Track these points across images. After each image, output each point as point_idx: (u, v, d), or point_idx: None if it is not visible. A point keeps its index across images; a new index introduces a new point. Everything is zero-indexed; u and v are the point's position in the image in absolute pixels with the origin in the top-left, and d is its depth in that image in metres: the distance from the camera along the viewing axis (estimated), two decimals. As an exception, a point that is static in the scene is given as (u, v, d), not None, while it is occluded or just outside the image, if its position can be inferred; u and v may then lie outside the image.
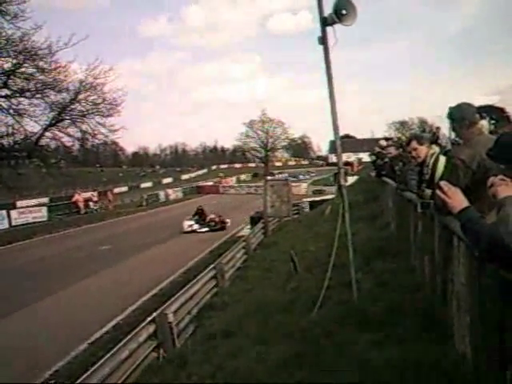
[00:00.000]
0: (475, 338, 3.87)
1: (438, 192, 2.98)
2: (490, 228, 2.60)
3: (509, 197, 2.38)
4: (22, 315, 12.28)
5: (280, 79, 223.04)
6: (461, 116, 4.54)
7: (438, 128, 17.72)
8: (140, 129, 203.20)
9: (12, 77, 39.15)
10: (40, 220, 38.06)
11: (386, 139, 19.75)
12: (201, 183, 76.44)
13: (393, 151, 11.62)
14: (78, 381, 5.90)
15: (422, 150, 6.59)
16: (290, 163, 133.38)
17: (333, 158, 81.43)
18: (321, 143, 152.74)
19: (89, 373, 6.13)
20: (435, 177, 5.56)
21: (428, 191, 5.78)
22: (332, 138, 7.23)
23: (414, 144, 6.93)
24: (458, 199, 2.86)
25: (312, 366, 5.31)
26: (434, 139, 15.22)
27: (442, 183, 3.05)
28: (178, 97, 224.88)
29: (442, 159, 5.74)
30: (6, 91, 40.66)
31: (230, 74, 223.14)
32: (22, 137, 41.87)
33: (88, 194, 52.06)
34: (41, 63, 39.71)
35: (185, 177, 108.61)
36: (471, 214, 2.79)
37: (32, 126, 43.71)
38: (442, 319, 5.17)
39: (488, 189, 2.55)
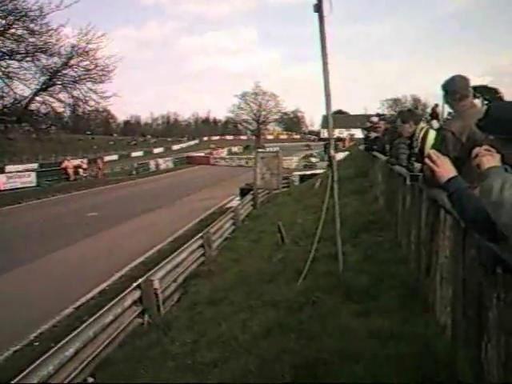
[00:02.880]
0: (456, 309, 3.91)
1: (426, 160, 2.97)
2: (476, 198, 2.60)
3: (493, 167, 2.37)
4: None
5: (276, 52, 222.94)
6: (454, 88, 4.51)
7: (436, 105, 17.80)
8: (132, 97, 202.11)
9: (1, 38, 38.64)
10: (29, 185, 37.88)
11: (378, 115, 19.71)
12: (192, 154, 76.16)
13: (383, 126, 11.61)
14: (62, 342, 5.90)
15: (405, 128, 6.62)
16: (282, 137, 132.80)
17: (325, 133, 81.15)
18: (313, 118, 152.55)
19: (73, 335, 6.13)
20: (425, 150, 5.55)
21: (417, 164, 5.77)
22: (325, 113, 7.18)
23: (399, 122, 6.96)
24: (446, 168, 2.86)
25: (295, 334, 5.35)
26: (435, 115, 15.27)
27: (431, 151, 3.05)
28: (172, 66, 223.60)
29: (432, 133, 5.73)
30: None
31: (225, 46, 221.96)
32: (11, 100, 41.51)
33: (78, 161, 51.78)
34: (31, 25, 39.14)
35: (176, 147, 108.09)
36: (459, 183, 2.79)
37: (22, 90, 43.12)
38: (425, 291, 5.22)
39: (473, 159, 2.53)
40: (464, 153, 4.11)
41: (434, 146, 5.15)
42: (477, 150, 2.53)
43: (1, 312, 9.65)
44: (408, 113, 7.09)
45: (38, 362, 5.25)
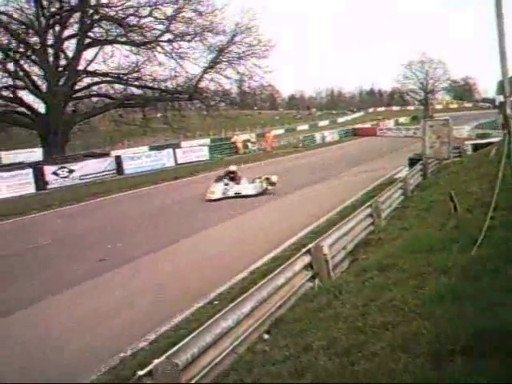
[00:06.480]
0: None
1: None
2: None
3: None
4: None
5: (445, 15, 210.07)
6: None
7: None
8: (296, 71, 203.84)
9: (173, 22, 41.94)
10: (202, 159, 40.45)
11: None
12: (357, 126, 75.63)
13: None
14: (238, 300, 6.26)
15: None
16: (452, 106, 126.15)
17: (501, 99, 75.70)
18: (487, 85, 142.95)
19: (247, 294, 6.47)
20: None
21: None
22: (500, 79, 6.72)
23: None
24: None
25: (472, 301, 5.18)
26: None
27: None
28: (333, 38, 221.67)
29: None
30: (168, 36, 43.74)
31: (392, 13, 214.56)
32: (183, 79, 44.94)
33: (246, 136, 53.87)
34: (198, 7, 42.05)
35: (341, 119, 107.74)
36: None
37: (192, 69, 46.54)
38: None
39: None
40: None
41: None
42: None
43: (184, 275, 10.51)
44: None
45: (217, 316, 5.64)
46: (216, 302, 8.55)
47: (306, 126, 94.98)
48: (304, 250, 8.32)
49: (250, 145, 47.28)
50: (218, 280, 9.86)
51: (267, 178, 20.69)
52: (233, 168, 22.30)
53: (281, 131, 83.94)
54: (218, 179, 21.41)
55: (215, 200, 19.74)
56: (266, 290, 6.82)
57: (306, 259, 8.20)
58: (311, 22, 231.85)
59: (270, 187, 20.54)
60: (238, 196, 20.30)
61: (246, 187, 20.82)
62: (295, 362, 5.18)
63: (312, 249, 8.31)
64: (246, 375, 5.17)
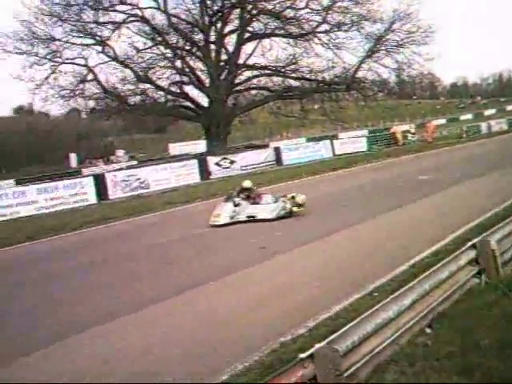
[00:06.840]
0: None
1: None
2: None
3: None
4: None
5: None
6: None
7: None
8: (459, 57, 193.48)
9: (330, 12, 42.24)
10: (360, 150, 40.13)
11: None
12: (530, 113, 70.11)
13: None
14: (399, 292, 6.13)
15: None
16: None
17: None
18: None
19: (408, 287, 6.31)
20: None
21: None
22: None
23: None
24: None
25: None
26: None
27: None
28: (501, 19, 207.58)
29: None
30: (325, 26, 44.17)
31: None
32: (340, 70, 45.19)
33: (406, 126, 52.47)
34: None
35: (510, 107, 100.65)
36: None
37: (349, 59, 46.72)
38: None
39: None
40: None
41: None
42: None
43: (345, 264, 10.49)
44: None
45: (377, 307, 5.59)
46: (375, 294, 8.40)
47: (469, 116, 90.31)
48: (469, 244, 7.93)
49: (409, 135, 45.92)
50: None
51: (293, 197, 16.45)
52: (247, 184, 17.43)
53: (442, 121, 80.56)
54: (228, 198, 17.20)
55: (221, 226, 15.72)
56: (428, 284, 6.61)
57: (472, 254, 7.81)
58: (474, 3, 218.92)
59: (295, 209, 16.26)
60: (251, 220, 16.07)
61: (263, 209, 16.38)
62: (461, 359, 4.96)
63: (478, 243, 7.89)
64: (408, 368, 5.05)
